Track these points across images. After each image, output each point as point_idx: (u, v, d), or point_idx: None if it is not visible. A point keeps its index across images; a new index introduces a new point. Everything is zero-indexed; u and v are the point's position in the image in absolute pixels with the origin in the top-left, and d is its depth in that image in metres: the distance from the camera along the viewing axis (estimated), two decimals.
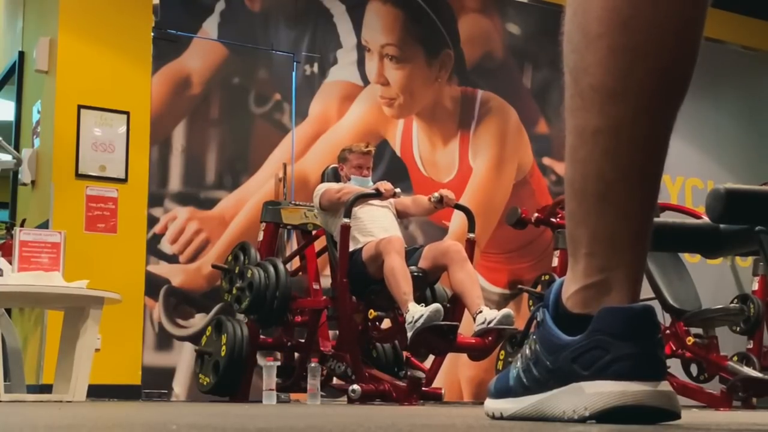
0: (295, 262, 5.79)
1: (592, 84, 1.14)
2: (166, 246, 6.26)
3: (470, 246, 5.27)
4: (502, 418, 1.30)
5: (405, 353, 5.42)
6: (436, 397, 5.08)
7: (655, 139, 1.16)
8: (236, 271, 5.45)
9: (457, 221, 6.74)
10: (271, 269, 5.14)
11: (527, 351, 1.27)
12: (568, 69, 1.18)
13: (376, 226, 5.23)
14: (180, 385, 6.14)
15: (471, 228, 5.36)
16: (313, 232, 5.62)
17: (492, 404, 1.34)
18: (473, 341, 4.85)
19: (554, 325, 1.22)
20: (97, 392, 5.19)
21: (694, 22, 1.14)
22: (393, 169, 7.01)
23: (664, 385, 1.14)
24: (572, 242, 1.21)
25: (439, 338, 4.70)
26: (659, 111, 1.15)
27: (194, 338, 6.00)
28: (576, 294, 1.20)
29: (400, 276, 4.79)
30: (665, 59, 1.13)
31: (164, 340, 6.16)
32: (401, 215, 5.48)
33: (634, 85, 1.13)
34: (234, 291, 5.25)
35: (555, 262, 6.24)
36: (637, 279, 1.18)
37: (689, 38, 1.14)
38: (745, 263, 7.85)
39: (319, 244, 5.61)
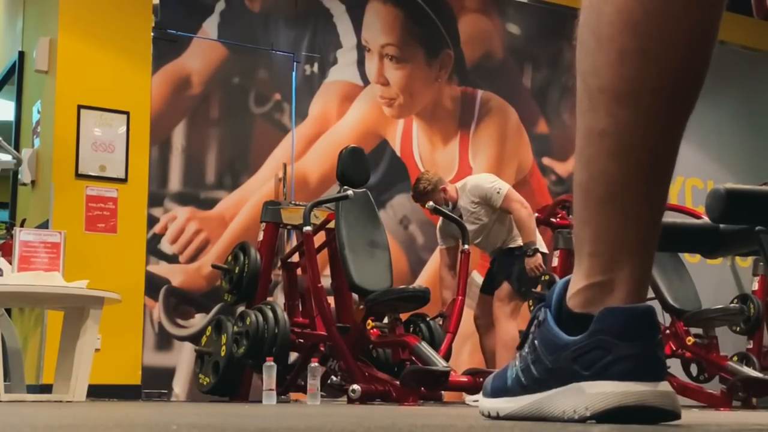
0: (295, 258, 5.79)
1: (600, 86, 1.14)
2: (166, 246, 6.26)
3: (466, 258, 5.47)
4: (498, 417, 1.30)
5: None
6: (436, 397, 5.09)
7: (662, 143, 1.15)
8: (236, 271, 5.44)
9: None
10: (270, 315, 5.07)
11: (527, 350, 1.27)
12: (580, 72, 1.18)
13: None
14: (180, 385, 6.14)
15: (465, 240, 5.52)
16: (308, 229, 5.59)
17: (487, 403, 1.33)
18: (465, 380, 5.05)
19: (555, 325, 1.22)
20: (97, 392, 5.18)
21: (707, 29, 1.13)
22: (393, 169, 7.01)
23: (665, 386, 1.15)
24: (577, 242, 1.21)
25: (431, 379, 4.79)
26: (667, 115, 1.14)
27: (194, 338, 6.00)
28: (579, 293, 1.20)
29: None
30: (675, 65, 1.12)
31: (164, 340, 6.16)
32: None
33: (643, 89, 1.12)
34: (234, 328, 5.22)
35: (555, 262, 6.24)
36: (642, 281, 1.18)
37: (701, 45, 1.13)
38: (745, 263, 7.85)
39: (318, 240, 5.58)
